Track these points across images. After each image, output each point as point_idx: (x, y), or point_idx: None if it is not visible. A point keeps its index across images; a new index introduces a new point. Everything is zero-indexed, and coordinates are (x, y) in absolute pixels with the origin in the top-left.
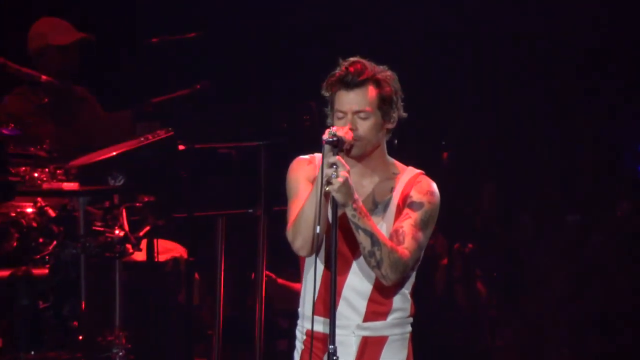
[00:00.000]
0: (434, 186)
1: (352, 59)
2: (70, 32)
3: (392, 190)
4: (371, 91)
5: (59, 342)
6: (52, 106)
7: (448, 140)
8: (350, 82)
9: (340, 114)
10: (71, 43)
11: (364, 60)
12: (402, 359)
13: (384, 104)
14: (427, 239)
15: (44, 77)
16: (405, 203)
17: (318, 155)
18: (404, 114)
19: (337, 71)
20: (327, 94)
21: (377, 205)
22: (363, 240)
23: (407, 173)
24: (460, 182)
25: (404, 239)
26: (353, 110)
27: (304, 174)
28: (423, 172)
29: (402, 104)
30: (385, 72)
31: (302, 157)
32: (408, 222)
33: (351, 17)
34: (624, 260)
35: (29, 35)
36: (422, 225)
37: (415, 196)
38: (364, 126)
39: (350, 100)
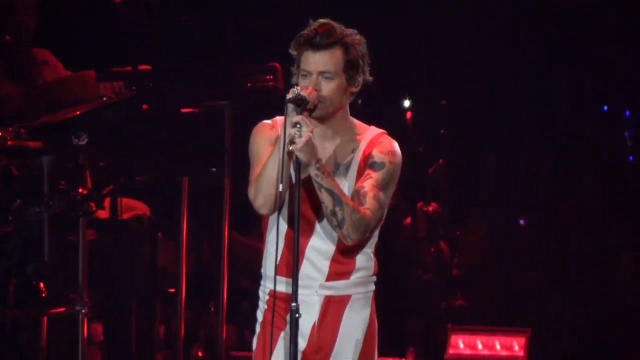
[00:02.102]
0: (396, 146)
1: (322, 20)
2: None
3: (354, 150)
4: (338, 54)
5: (23, 300)
6: (14, 68)
7: (411, 100)
8: (318, 43)
9: (305, 73)
10: None
11: (333, 23)
12: (365, 317)
13: (349, 67)
14: (389, 199)
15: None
16: (367, 163)
17: (280, 119)
18: (370, 78)
19: (306, 31)
20: (294, 53)
21: (339, 165)
22: (325, 199)
23: (369, 133)
24: (425, 143)
25: (365, 199)
26: (318, 70)
27: (267, 137)
28: (385, 132)
29: (368, 68)
30: (353, 36)
31: (264, 121)
32: (369, 182)
33: None
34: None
35: None
36: (383, 184)
37: (376, 156)
38: (328, 87)
39: (316, 61)
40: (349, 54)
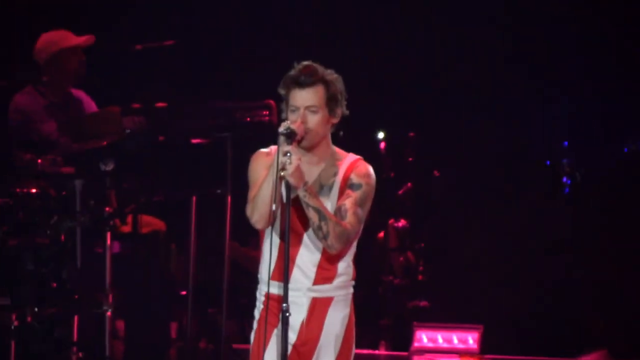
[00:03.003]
0: (371, 169)
1: (304, 62)
2: (75, 36)
3: (335, 174)
4: (320, 90)
5: (58, 300)
6: (55, 105)
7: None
8: (303, 82)
9: (294, 108)
10: (81, 42)
11: (314, 64)
12: (345, 315)
13: (330, 101)
14: (366, 214)
15: (44, 78)
16: (347, 184)
17: (275, 147)
18: (346, 111)
19: (292, 72)
20: (282, 92)
21: (323, 186)
22: (312, 216)
23: (348, 159)
24: (396, 168)
25: (346, 215)
26: (305, 105)
27: (263, 164)
28: (361, 158)
29: (345, 102)
30: (332, 75)
31: (262, 150)
32: (349, 200)
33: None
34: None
35: (38, 49)
36: (360, 202)
37: (354, 179)
38: (313, 120)
39: (302, 97)
40: (330, 90)
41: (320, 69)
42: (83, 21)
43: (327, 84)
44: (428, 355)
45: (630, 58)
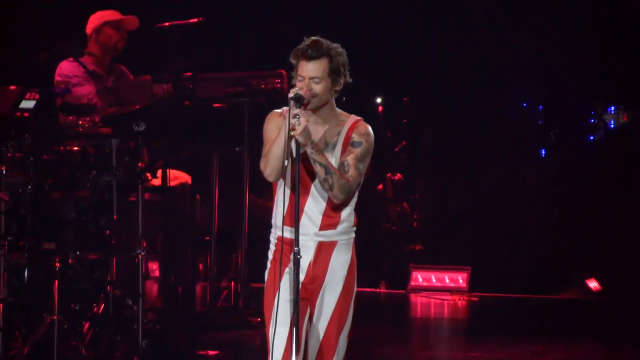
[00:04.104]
0: (370, 129)
1: (312, 37)
2: (119, 14)
3: (339, 133)
4: (324, 63)
5: (97, 245)
6: (94, 73)
7: (382, 97)
8: (310, 55)
9: (301, 78)
10: (121, 19)
11: (321, 39)
12: (348, 258)
13: (333, 73)
14: (365, 168)
15: (87, 49)
16: (349, 142)
17: (286, 109)
18: (349, 80)
19: (301, 46)
20: (292, 62)
21: (328, 144)
22: (319, 170)
23: (350, 120)
24: (392, 128)
25: (349, 169)
26: (310, 76)
27: (275, 123)
28: (361, 119)
29: (348, 72)
30: (337, 49)
31: (275, 110)
32: (351, 156)
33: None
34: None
35: (89, 21)
36: (361, 158)
37: (355, 137)
38: (318, 87)
39: (308, 69)
40: (333, 63)
41: (326, 43)
42: (120, 5)
43: (331, 57)
44: (423, 293)
45: (603, 27)
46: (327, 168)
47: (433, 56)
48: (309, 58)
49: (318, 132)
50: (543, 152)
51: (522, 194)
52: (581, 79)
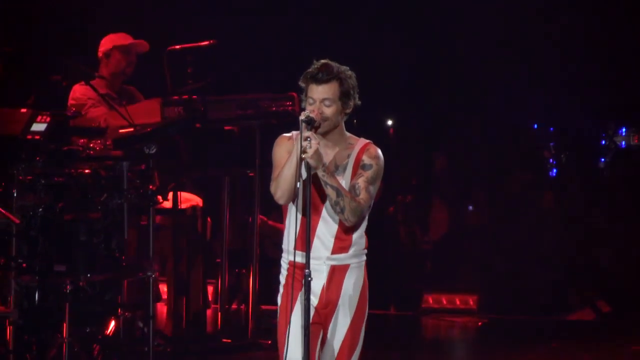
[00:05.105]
0: (380, 152)
1: (322, 60)
2: (130, 38)
3: (349, 156)
4: (334, 86)
5: (108, 267)
6: (106, 96)
7: (393, 120)
8: (320, 79)
9: (312, 101)
10: (130, 44)
11: (331, 62)
12: (360, 281)
13: (343, 96)
14: (376, 191)
15: (98, 72)
16: (359, 165)
17: (296, 133)
18: (359, 102)
19: (311, 69)
20: (302, 85)
21: (338, 167)
22: (330, 193)
23: (360, 143)
24: (403, 151)
25: (359, 191)
26: (321, 99)
27: (285, 147)
28: (371, 142)
29: (357, 95)
30: (346, 72)
31: (284, 134)
32: (362, 179)
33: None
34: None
35: (100, 44)
36: (371, 180)
37: (366, 160)
38: (328, 111)
39: (319, 92)
40: (343, 86)
41: (335, 66)
42: (132, 27)
43: (341, 80)
44: (433, 315)
45: (616, 49)
46: (338, 191)
47: (443, 77)
48: (320, 81)
49: (328, 155)
50: (554, 174)
51: (532, 216)
52: (593, 101)
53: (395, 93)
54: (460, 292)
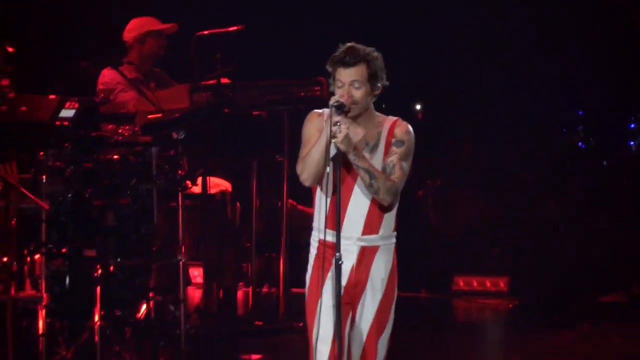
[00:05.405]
0: (410, 127)
1: (348, 43)
2: (159, 22)
3: (379, 134)
4: (362, 68)
5: (138, 252)
6: (135, 80)
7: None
8: (348, 62)
9: (340, 84)
10: (164, 28)
11: (357, 45)
12: (389, 263)
13: (371, 77)
14: (409, 167)
15: (128, 57)
16: (390, 142)
17: (327, 110)
18: (387, 83)
19: (337, 53)
20: (329, 69)
21: (369, 147)
22: (364, 176)
23: (389, 120)
24: (431, 135)
25: (393, 170)
26: (349, 81)
27: (315, 124)
28: (399, 118)
29: (385, 76)
30: (373, 53)
31: (316, 110)
32: (395, 157)
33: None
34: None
35: (127, 30)
36: (404, 157)
37: (397, 136)
38: (358, 93)
39: (347, 75)
40: (371, 68)
41: (362, 49)
42: (160, 12)
43: (368, 62)
44: (464, 298)
45: None
46: (371, 173)
47: (471, 61)
48: (347, 64)
49: (358, 135)
50: (583, 157)
51: (564, 199)
52: (620, 83)
53: (424, 76)
54: (491, 275)
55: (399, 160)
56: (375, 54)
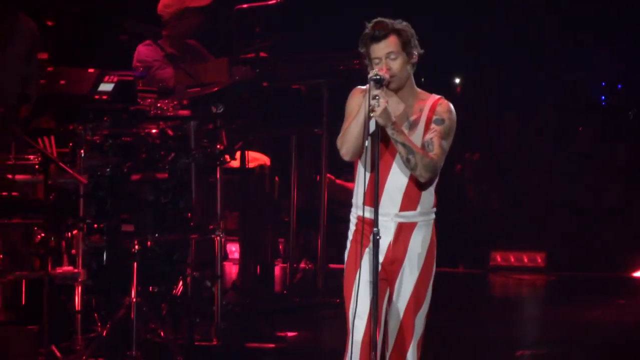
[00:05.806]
0: (452, 106)
1: (374, 19)
2: None
3: (421, 110)
4: (394, 39)
5: (176, 227)
6: (172, 55)
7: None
8: (378, 36)
9: (377, 60)
10: (202, 5)
11: (382, 19)
12: (428, 239)
13: (405, 45)
14: (449, 146)
15: (165, 32)
16: (431, 120)
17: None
18: (422, 51)
19: (366, 31)
20: (362, 50)
21: (410, 123)
22: (401, 150)
23: (431, 98)
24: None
25: (432, 147)
26: (385, 54)
27: (357, 100)
28: (442, 97)
29: (417, 43)
30: (401, 23)
31: (359, 87)
32: (435, 134)
33: None
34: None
35: (165, 4)
36: (444, 135)
37: (438, 114)
38: (396, 64)
39: (381, 49)
40: (402, 37)
41: (389, 21)
42: None
43: (398, 32)
44: (502, 273)
45: None
46: (409, 147)
47: (509, 35)
48: (378, 39)
49: (400, 109)
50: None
51: (600, 173)
52: None
53: (463, 50)
54: (528, 250)
55: (439, 137)
56: (404, 23)
